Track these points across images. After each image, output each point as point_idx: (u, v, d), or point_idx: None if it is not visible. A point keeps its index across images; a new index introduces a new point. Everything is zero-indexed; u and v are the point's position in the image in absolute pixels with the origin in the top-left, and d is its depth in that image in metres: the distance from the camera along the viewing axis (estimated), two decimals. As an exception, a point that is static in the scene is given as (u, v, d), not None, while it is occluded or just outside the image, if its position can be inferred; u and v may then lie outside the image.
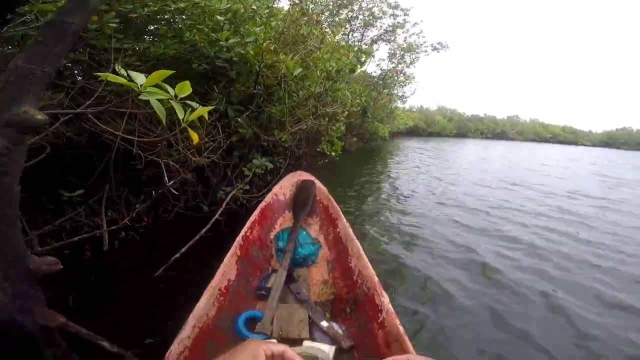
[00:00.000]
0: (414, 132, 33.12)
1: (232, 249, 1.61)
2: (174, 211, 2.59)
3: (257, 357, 0.64)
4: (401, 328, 1.12)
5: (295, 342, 1.34)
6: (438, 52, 13.77)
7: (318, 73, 3.12)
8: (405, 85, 13.39)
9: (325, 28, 8.03)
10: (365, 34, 12.74)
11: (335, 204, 2.38)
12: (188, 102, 0.98)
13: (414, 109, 37.98)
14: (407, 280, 2.45)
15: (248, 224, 1.92)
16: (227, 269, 1.49)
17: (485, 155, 15.73)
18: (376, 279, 1.44)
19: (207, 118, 1.18)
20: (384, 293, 1.33)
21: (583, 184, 7.83)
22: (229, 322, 1.36)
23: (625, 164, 16.21)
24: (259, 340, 0.72)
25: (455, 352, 1.76)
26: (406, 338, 1.07)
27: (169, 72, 0.89)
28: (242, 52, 2.43)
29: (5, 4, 1.32)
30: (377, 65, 13.23)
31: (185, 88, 0.96)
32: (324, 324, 1.43)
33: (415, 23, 12.92)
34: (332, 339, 1.35)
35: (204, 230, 2.28)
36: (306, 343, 1.29)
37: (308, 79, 3.09)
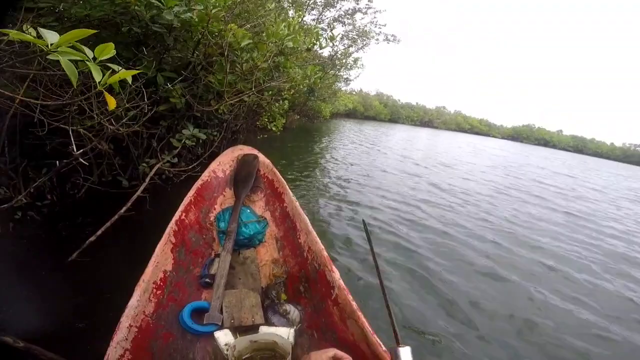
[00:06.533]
0: (351, 114, 34.16)
1: (165, 236, 1.43)
2: (85, 186, 2.23)
3: None
4: (354, 304, 1.12)
5: (250, 329, 1.27)
6: (388, 43, 13.97)
7: (271, 47, 2.92)
8: (352, 68, 13.44)
9: (286, 5, 7.62)
10: (323, 13, 12.31)
11: (281, 177, 2.29)
12: (109, 65, 0.89)
13: (354, 92, 38.99)
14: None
15: (182, 206, 1.72)
16: (160, 260, 1.32)
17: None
18: (325, 253, 1.42)
19: (130, 83, 1.06)
20: (334, 268, 1.32)
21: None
22: (172, 317, 1.23)
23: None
24: None
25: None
26: (360, 314, 1.07)
27: (89, 32, 0.76)
28: (186, 18, 2.15)
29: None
30: (330, 46, 12.99)
31: (107, 50, 0.84)
32: (279, 306, 1.38)
33: (377, 11, 12.86)
34: (290, 321, 1.31)
35: (124, 209, 2.01)
36: (262, 329, 1.24)
37: (257, 51, 2.87)
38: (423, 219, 3.83)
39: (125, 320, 0.97)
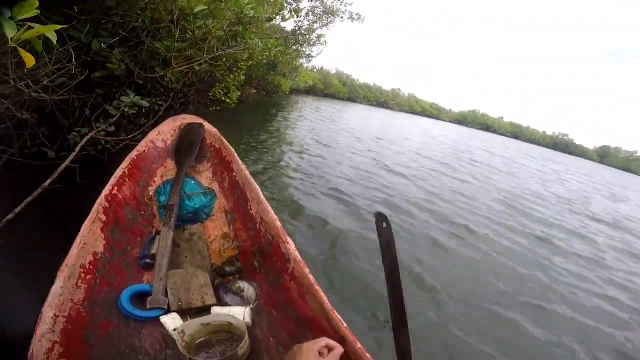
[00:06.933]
0: (311, 91, 33.79)
1: (93, 213, 1.27)
2: (3, 158, 1.94)
3: None
4: (311, 277, 1.07)
5: (201, 310, 1.19)
6: (352, 21, 13.70)
7: (229, 14, 2.69)
8: (315, 44, 13.14)
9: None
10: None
11: (229, 145, 2.15)
12: (30, 23, 0.82)
13: (315, 69, 38.39)
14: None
15: (113, 180, 1.53)
16: (88, 241, 1.19)
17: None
18: (279, 224, 1.34)
19: (56, 44, 0.94)
20: (288, 240, 1.25)
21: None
22: (109, 304, 1.12)
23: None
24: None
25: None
26: (319, 288, 1.03)
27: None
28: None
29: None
30: (294, 19, 12.46)
31: (26, 8, 0.77)
32: (232, 283, 1.30)
33: None
34: (245, 299, 1.24)
35: (48, 182, 1.74)
36: (215, 309, 1.17)
37: (213, 18, 2.62)
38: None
39: (48, 310, 0.87)
